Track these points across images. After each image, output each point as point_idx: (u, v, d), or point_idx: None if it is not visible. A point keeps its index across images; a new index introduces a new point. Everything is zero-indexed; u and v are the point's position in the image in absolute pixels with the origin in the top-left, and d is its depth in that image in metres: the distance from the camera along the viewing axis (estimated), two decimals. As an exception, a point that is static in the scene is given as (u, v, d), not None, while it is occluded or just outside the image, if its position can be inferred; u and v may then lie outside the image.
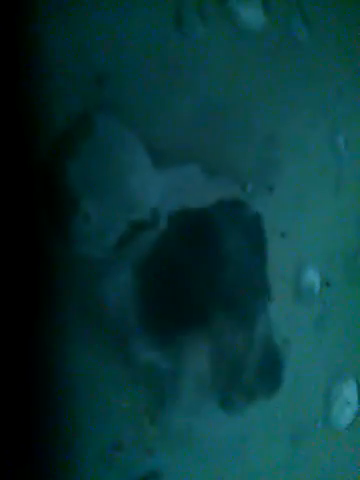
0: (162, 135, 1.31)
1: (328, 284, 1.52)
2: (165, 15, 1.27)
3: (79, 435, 1.31)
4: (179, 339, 1.34)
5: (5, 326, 1.20)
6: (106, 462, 1.34)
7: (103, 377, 1.31)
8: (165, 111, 1.30)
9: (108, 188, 1.26)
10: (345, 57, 1.44)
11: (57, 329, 1.29)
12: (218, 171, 1.38)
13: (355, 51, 1.45)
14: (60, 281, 1.29)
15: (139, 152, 1.29)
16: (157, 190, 1.33)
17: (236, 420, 1.42)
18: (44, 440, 1.22)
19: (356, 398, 1.54)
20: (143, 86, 1.29)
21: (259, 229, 1.43)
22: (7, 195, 1.18)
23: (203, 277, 1.34)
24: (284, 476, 1.47)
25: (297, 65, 1.42)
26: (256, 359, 1.39)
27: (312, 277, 1.50)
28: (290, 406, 1.47)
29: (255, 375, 1.39)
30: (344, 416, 1.54)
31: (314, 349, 1.50)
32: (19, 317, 1.22)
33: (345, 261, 1.53)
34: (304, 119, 1.44)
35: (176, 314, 1.33)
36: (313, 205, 1.48)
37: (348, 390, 1.54)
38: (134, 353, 1.34)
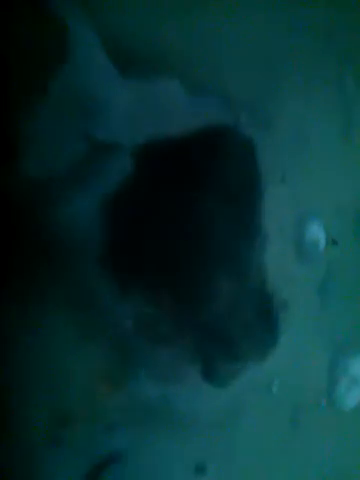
0: (130, 32, 0.97)
1: (335, 242, 1.25)
2: None
3: (19, 407, 1.00)
4: (151, 288, 1.04)
5: None
6: (54, 441, 1.03)
7: (49, 328, 1.01)
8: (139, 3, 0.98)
9: (61, 89, 0.95)
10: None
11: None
12: (204, 90, 1.07)
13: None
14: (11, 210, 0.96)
15: (97, 51, 0.97)
16: (124, 106, 0.99)
17: (223, 392, 1.14)
18: None
19: (365, 376, 1.16)
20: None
21: (254, 168, 1.13)
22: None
23: (181, 220, 1.04)
24: (281, 461, 1.21)
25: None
26: (246, 317, 1.09)
27: (316, 232, 1.24)
28: (288, 381, 1.20)
29: (244, 335, 1.09)
30: (351, 395, 1.27)
31: (317, 316, 1.23)
32: None
33: (355, 216, 1.26)
34: (309, 49, 1.19)
35: (149, 258, 1.04)
36: (318, 148, 1.22)
37: (356, 366, 1.27)
38: (93, 299, 1.03)
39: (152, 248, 1.01)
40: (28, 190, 0.94)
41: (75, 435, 1.03)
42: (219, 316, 1.03)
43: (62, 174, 0.94)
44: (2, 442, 0.96)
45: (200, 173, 1.03)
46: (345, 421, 1.23)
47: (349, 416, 1.23)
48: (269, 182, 1.14)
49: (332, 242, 1.22)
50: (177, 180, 1.02)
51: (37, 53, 0.92)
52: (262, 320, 1.08)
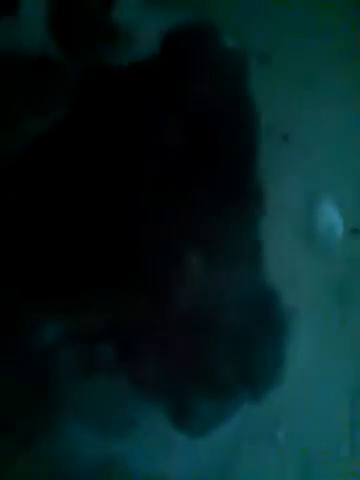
0: None
1: (356, 230, 1.02)
2: None
3: None
4: (83, 289, 0.72)
5: None
6: None
7: None
8: None
9: None
10: None
11: None
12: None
13: None
14: None
15: None
16: None
17: (206, 444, 0.87)
18: None
19: None
20: None
21: (246, 116, 0.85)
22: None
23: (126, 188, 0.74)
24: None
25: None
26: (237, 333, 0.76)
27: (331, 215, 1.02)
28: (297, 424, 0.95)
29: (235, 360, 0.76)
30: None
31: (334, 330, 0.98)
32: None
33: None
34: None
35: (75, 242, 0.73)
36: (328, 95, 1.02)
37: None
38: None
39: (81, 225, 0.73)
40: None
41: None
42: (195, 330, 0.73)
43: None
44: None
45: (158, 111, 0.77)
46: None
47: None
48: (266, 139, 0.93)
49: (352, 230, 1.02)
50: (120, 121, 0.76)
51: None
52: (261, 337, 0.80)
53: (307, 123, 1.00)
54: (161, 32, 0.82)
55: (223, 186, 0.78)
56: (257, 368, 0.78)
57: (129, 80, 0.77)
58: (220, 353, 0.75)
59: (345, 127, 1.04)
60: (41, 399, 0.75)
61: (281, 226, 0.97)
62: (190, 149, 0.76)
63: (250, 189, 0.84)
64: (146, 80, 0.77)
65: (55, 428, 0.75)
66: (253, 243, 0.82)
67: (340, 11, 1.06)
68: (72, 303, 0.73)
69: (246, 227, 0.81)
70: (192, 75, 0.79)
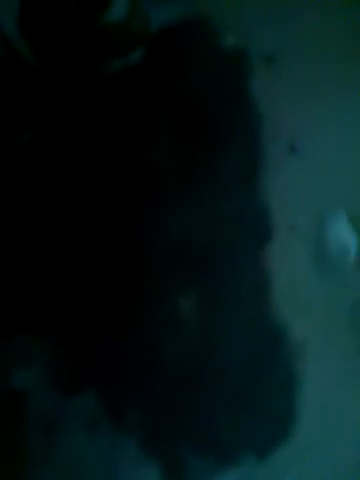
0: None
1: None
2: None
3: None
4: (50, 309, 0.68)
5: None
6: None
7: None
8: None
9: None
10: None
11: None
12: None
13: None
14: None
15: None
16: None
17: None
18: None
19: None
20: None
21: (249, 123, 0.79)
22: None
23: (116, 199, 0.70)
24: None
25: None
26: (237, 378, 0.67)
27: (343, 234, 0.96)
28: (309, 466, 0.86)
29: (238, 420, 0.65)
30: None
31: (349, 364, 0.91)
32: None
33: None
34: None
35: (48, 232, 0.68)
36: (337, 101, 0.96)
37: None
38: None
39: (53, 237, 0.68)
40: None
41: None
42: (191, 381, 0.63)
43: None
44: None
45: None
46: None
47: None
48: (272, 151, 0.89)
49: None
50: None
51: None
52: (267, 388, 0.70)
53: (315, 131, 0.94)
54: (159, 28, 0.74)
55: (223, 205, 0.67)
56: (262, 429, 0.66)
57: (122, 79, 0.67)
58: (219, 408, 0.64)
59: (356, 136, 0.98)
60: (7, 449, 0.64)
61: (289, 246, 0.91)
62: (185, 157, 0.66)
63: (255, 207, 0.74)
64: (139, 79, 0.67)
65: None
66: (259, 273, 0.71)
67: (346, 13, 1.01)
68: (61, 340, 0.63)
69: (251, 255, 0.71)
70: (187, 71, 0.70)
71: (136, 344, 0.66)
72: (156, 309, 0.67)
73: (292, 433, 0.80)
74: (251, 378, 0.70)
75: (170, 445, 0.70)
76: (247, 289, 0.75)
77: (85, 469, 0.71)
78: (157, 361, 0.65)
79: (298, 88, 0.96)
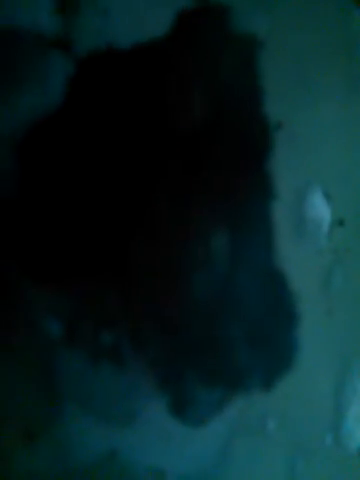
0: None
1: (341, 223, 1.05)
2: None
3: None
4: (88, 274, 0.73)
5: None
6: None
7: None
8: None
9: None
10: None
11: None
12: None
13: None
14: None
15: None
16: None
17: (200, 437, 0.88)
18: None
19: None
20: None
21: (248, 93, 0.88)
22: None
23: (137, 178, 0.74)
24: None
25: None
26: (246, 319, 0.77)
27: (320, 205, 1.05)
28: (287, 414, 0.99)
29: (252, 348, 0.76)
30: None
31: (321, 322, 1.01)
32: None
33: None
34: None
35: (82, 216, 0.74)
36: (321, 91, 1.04)
37: None
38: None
39: (89, 206, 0.75)
40: None
41: None
42: (209, 315, 0.73)
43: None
44: None
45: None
46: (353, 464, 1.05)
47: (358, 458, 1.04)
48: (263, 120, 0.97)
49: (338, 223, 1.05)
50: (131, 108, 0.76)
51: None
52: (275, 322, 0.82)
53: (302, 113, 1.03)
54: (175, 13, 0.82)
55: (240, 169, 0.79)
56: (269, 359, 0.79)
57: (138, 60, 0.77)
58: (234, 339, 0.76)
59: (338, 122, 1.06)
60: (44, 391, 0.74)
61: (276, 213, 1.00)
62: (206, 132, 0.77)
63: (264, 173, 0.85)
64: (157, 61, 0.77)
65: (58, 420, 0.74)
66: (265, 228, 0.83)
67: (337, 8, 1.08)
68: (86, 287, 0.73)
69: (261, 212, 0.82)
70: (206, 56, 0.79)
71: (165, 278, 0.76)
72: (191, 248, 0.78)
73: (293, 365, 0.91)
74: (261, 314, 0.82)
75: (181, 378, 0.82)
76: (259, 241, 0.86)
77: (110, 404, 0.81)
78: (183, 296, 0.76)
79: (288, 74, 1.02)
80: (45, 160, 0.76)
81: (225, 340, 0.77)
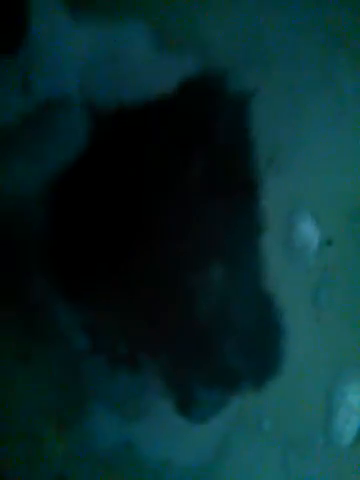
0: None
1: (329, 242, 1.14)
2: None
3: None
4: (110, 292, 0.87)
5: None
6: None
7: None
8: None
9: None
10: None
11: None
12: (180, 46, 0.99)
13: None
14: None
15: None
16: (76, 52, 0.88)
17: (202, 433, 0.99)
18: None
19: (363, 404, 1.06)
20: None
21: (243, 141, 0.99)
22: None
23: (150, 207, 0.88)
24: None
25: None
26: (242, 329, 0.91)
27: (308, 228, 1.13)
28: (281, 414, 1.07)
29: (240, 354, 0.89)
30: (350, 429, 1.13)
31: (311, 330, 1.10)
32: None
33: (352, 213, 1.14)
34: (298, 19, 1.13)
35: (102, 246, 0.88)
36: (310, 124, 1.13)
37: (356, 393, 1.13)
38: (28, 304, 0.88)
39: (108, 239, 0.88)
40: None
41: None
42: (208, 331, 0.88)
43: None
44: None
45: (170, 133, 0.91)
46: (343, 462, 1.11)
47: (347, 455, 1.11)
48: (256, 160, 1.05)
49: (326, 243, 1.13)
50: (146, 153, 0.90)
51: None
52: (264, 334, 0.94)
53: (290, 150, 1.09)
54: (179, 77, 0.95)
55: (236, 206, 0.94)
56: (261, 361, 0.94)
57: (145, 119, 0.92)
58: (230, 349, 0.91)
59: (325, 150, 1.12)
60: (74, 391, 0.90)
61: (267, 239, 1.07)
62: (208, 176, 0.92)
63: (257, 207, 0.99)
64: (163, 120, 0.91)
65: (84, 414, 0.90)
66: (256, 251, 0.98)
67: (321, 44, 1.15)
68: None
69: (253, 238, 0.97)
70: (209, 116, 0.91)
71: (171, 301, 0.92)
72: (191, 275, 0.93)
73: (279, 373, 1.00)
74: (253, 328, 0.97)
75: (185, 381, 0.98)
76: (252, 265, 1.00)
77: (126, 402, 0.96)
78: (185, 315, 0.92)
79: (279, 113, 1.09)
80: (73, 197, 0.92)
81: (222, 350, 0.89)
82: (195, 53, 1.00)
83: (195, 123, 0.90)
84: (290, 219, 1.10)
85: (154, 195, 0.88)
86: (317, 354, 1.08)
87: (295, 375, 1.06)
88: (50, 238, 0.88)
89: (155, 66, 0.94)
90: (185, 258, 0.88)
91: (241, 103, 0.92)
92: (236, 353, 0.90)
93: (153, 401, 0.93)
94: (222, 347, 0.89)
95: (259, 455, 1.06)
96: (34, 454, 0.88)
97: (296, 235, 1.11)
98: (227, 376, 0.90)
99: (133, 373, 0.91)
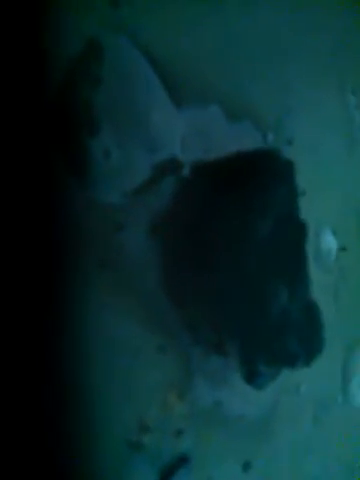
0: (182, 69, 1.17)
1: (344, 248, 1.40)
2: None
3: (100, 416, 1.11)
4: (205, 300, 1.14)
5: (20, 280, 1.02)
6: (131, 447, 1.16)
7: (124, 343, 1.14)
8: (185, 43, 1.19)
9: (127, 121, 1.09)
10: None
11: (76, 284, 1.09)
12: (239, 116, 1.26)
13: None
14: (77, 229, 1.08)
15: (157, 85, 1.15)
16: (178, 130, 1.17)
17: (262, 395, 1.27)
18: (60, 419, 0.86)
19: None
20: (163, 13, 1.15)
21: (287, 184, 1.20)
22: (19, 128, 0.99)
23: (229, 230, 1.13)
24: (306, 458, 1.35)
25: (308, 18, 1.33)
26: (296, 324, 1.17)
27: (329, 239, 1.39)
28: (312, 379, 1.33)
29: (295, 341, 1.16)
30: None
31: (333, 318, 1.34)
32: (34, 267, 1.04)
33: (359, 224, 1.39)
34: (315, 69, 1.37)
35: (200, 271, 1.13)
36: (329, 161, 1.38)
37: None
38: (157, 315, 1.16)
39: (205, 266, 1.13)
40: (96, 216, 1.07)
41: (151, 441, 1.16)
42: (271, 325, 1.13)
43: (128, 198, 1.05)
44: (89, 446, 1.09)
45: (242, 186, 1.15)
46: (357, 416, 1.39)
47: None
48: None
49: (342, 249, 1.38)
50: (223, 194, 1.14)
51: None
52: (311, 326, 1.18)
53: (316, 184, 1.32)
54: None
55: (284, 237, 1.21)
56: (310, 346, 1.22)
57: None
58: (289, 338, 1.31)
59: (341, 178, 1.37)
60: (186, 370, 1.24)
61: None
62: (262, 221, 1.18)
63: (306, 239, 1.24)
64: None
65: (191, 385, 1.25)
66: (305, 264, 1.23)
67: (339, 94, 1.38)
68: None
69: (302, 255, 1.22)
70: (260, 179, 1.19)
71: (252, 303, 1.15)
72: (263, 289, 1.15)
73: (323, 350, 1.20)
74: (303, 320, 1.17)
75: (253, 360, 1.20)
76: (303, 275, 1.18)
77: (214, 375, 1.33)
78: (261, 312, 1.17)
79: (306, 160, 1.30)
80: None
81: (284, 339, 1.15)
82: (251, 121, 1.28)
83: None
84: (317, 233, 1.34)
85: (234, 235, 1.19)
86: (336, 335, 1.31)
87: (323, 352, 1.22)
88: (163, 266, 1.18)
89: (227, 133, 1.25)
90: (259, 276, 1.11)
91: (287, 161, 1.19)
92: (293, 341, 1.15)
93: (232, 374, 1.21)
94: (284, 337, 1.15)
95: (298, 410, 1.31)
96: (163, 415, 1.17)
97: (321, 244, 1.34)
98: (287, 357, 1.15)
99: (221, 356, 1.20)
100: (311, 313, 1.17)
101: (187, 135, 1.16)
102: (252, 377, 1.19)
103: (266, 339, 1.14)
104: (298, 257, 1.15)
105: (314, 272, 1.25)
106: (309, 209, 1.25)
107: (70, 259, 1.09)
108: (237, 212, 1.11)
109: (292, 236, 1.14)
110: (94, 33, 1.08)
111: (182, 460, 1.13)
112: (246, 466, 1.27)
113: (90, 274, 1.10)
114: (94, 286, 1.10)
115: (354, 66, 1.38)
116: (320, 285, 1.27)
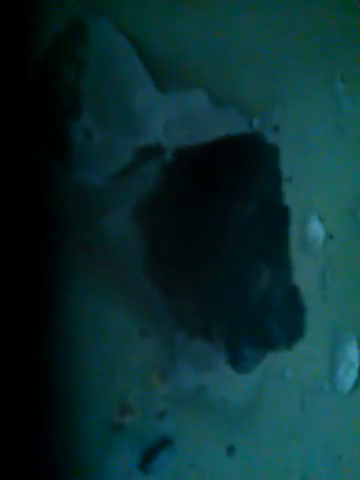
0: (166, 53, 1.16)
1: (331, 236, 1.37)
2: None
3: (82, 397, 1.12)
4: (189, 284, 1.15)
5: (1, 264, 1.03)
6: (113, 428, 1.16)
7: (107, 326, 1.14)
8: (168, 26, 1.19)
9: (109, 103, 1.09)
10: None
11: (59, 267, 1.10)
12: (225, 101, 1.24)
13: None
14: (60, 211, 1.09)
15: (140, 69, 1.15)
16: (162, 115, 1.15)
17: (246, 379, 1.26)
18: (42, 401, 0.87)
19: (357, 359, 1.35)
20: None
21: (271, 169, 1.22)
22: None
23: (213, 214, 1.15)
24: (294, 442, 1.33)
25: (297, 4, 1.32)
26: (279, 308, 1.19)
27: (316, 227, 1.36)
28: (298, 367, 1.31)
29: (277, 325, 1.19)
30: (349, 378, 1.38)
31: (320, 306, 1.34)
32: (16, 251, 1.05)
33: (348, 212, 1.38)
34: (305, 57, 1.34)
35: (184, 254, 1.14)
36: (316, 149, 1.35)
37: (352, 351, 1.37)
38: (141, 299, 1.16)
39: (189, 250, 1.13)
40: (78, 199, 1.06)
41: (133, 423, 1.16)
42: (253, 309, 1.15)
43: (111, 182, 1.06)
44: (71, 428, 1.09)
45: (225, 171, 1.14)
46: (345, 403, 1.36)
47: (348, 399, 1.36)
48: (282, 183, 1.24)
49: (329, 236, 1.35)
50: (207, 179, 1.15)
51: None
52: (292, 310, 1.20)
53: (302, 170, 1.32)
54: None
55: (271, 220, 1.24)
56: (291, 330, 1.23)
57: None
58: (271, 321, 1.30)
59: (329, 167, 1.35)
60: (169, 352, 1.24)
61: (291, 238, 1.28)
62: (245, 206, 1.18)
63: (285, 217, 1.24)
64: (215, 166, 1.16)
65: (174, 368, 1.19)
66: (287, 250, 1.25)
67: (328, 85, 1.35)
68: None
69: (284, 241, 1.25)
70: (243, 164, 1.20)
71: (235, 287, 1.18)
72: (244, 273, 1.19)
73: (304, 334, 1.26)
74: (285, 305, 1.20)
75: (238, 344, 1.21)
76: (284, 260, 1.23)
77: (202, 356, 1.29)
78: (243, 296, 1.20)
79: (293, 146, 1.30)
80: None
81: (265, 322, 1.17)
82: (237, 106, 1.26)
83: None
84: (304, 220, 1.31)
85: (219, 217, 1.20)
86: (324, 321, 1.31)
87: (308, 338, 1.28)
88: (148, 252, 1.15)
89: (211, 118, 1.24)
90: (242, 260, 1.12)
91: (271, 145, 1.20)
92: (275, 324, 1.16)
93: (216, 358, 1.20)
94: (265, 320, 1.16)
95: (284, 396, 1.29)
96: (145, 397, 1.17)
97: (308, 232, 1.32)
98: (268, 340, 1.17)
99: (205, 340, 1.19)
100: (293, 297, 1.18)
101: (171, 119, 1.15)
102: (236, 361, 1.21)
103: (249, 322, 1.15)
104: (280, 242, 1.16)
105: (301, 259, 1.28)
106: (296, 196, 1.28)
107: (53, 243, 1.09)
108: (220, 195, 1.12)
109: (275, 220, 1.16)
110: (77, 14, 1.10)
111: (165, 442, 1.13)
112: (230, 450, 1.27)
113: (73, 257, 1.11)
114: (77, 269, 1.11)
115: (344, 53, 1.36)
116: (307, 272, 1.29)
